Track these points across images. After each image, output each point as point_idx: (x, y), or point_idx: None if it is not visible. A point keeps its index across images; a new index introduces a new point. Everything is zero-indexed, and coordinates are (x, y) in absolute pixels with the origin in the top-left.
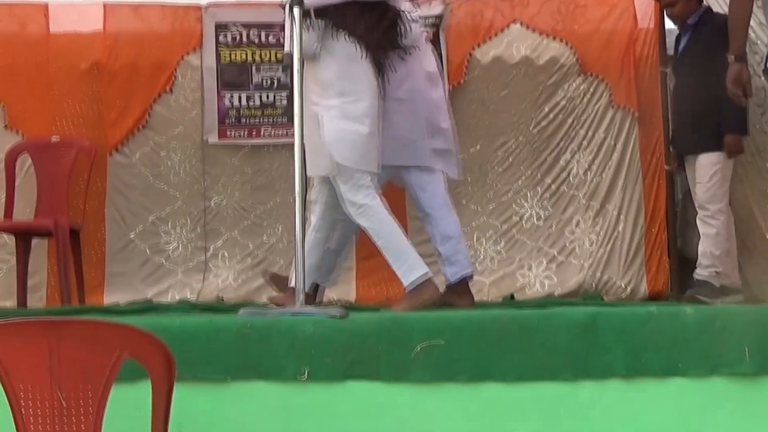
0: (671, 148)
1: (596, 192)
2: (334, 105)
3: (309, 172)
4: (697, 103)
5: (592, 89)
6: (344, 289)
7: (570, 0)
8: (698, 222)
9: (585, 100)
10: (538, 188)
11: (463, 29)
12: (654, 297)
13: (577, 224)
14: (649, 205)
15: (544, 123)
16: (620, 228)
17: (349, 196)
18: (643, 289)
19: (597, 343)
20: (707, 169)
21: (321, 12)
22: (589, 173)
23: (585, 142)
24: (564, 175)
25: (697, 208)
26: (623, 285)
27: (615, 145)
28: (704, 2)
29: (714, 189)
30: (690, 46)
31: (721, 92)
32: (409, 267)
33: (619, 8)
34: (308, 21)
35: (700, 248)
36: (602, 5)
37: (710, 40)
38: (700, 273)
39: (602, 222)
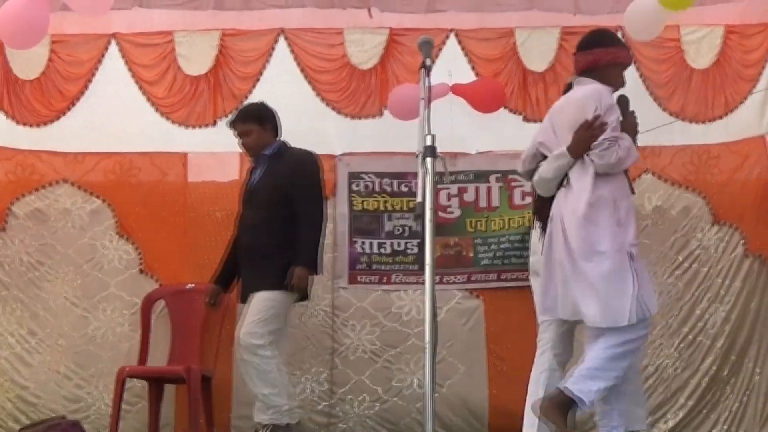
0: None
1: (733, 344)
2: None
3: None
4: (267, 238)
5: (726, 238)
6: None
7: (703, 151)
8: (240, 361)
9: (720, 249)
10: (674, 339)
11: None
12: None
13: (715, 374)
14: None
15: (678, 272)
16: (756, 380)
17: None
18: None
19: None
20: (260, 305)
21: None
22: (727, 325)
23: (722, 292)
24: (701, 324)
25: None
26: None
27: (752, 294)
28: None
29: (256, 326)
30: (263, 179)
31: (294, 228)
32: None
33: (753, 157)
34: None
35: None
36: (735, 154)
37: (282, 175)
38: (260, 417)
39: (738, 376)
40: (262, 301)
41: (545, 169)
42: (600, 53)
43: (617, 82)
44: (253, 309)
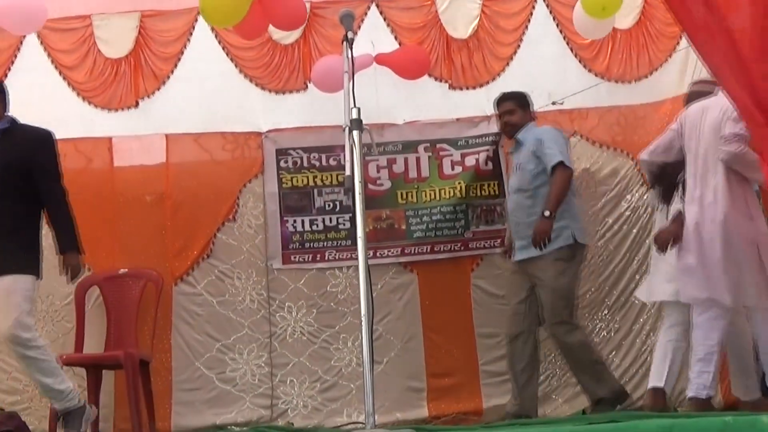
0: None
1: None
2: None
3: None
4: (5, 218)
5: None
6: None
7: (629, 111)
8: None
9: (650, 210)
10: (607, 300)
11: None
12: (729, 407)
13: (647, 335)
14: None
15: (608, 235)
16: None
17: None
18: (718, 398)
19: None
20: (19, 295)
21: None
22: None
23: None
24: (633, 286)
25: None
26: None
27: None
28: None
29: (26, 317)
30: None
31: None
32: None
33: (676, 116)
34: None
35: None
36: (660, 114)
37: (19, 152)
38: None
39: None
40: (18, 290)
41: None
42: None
43: None
44: (11, 300)
